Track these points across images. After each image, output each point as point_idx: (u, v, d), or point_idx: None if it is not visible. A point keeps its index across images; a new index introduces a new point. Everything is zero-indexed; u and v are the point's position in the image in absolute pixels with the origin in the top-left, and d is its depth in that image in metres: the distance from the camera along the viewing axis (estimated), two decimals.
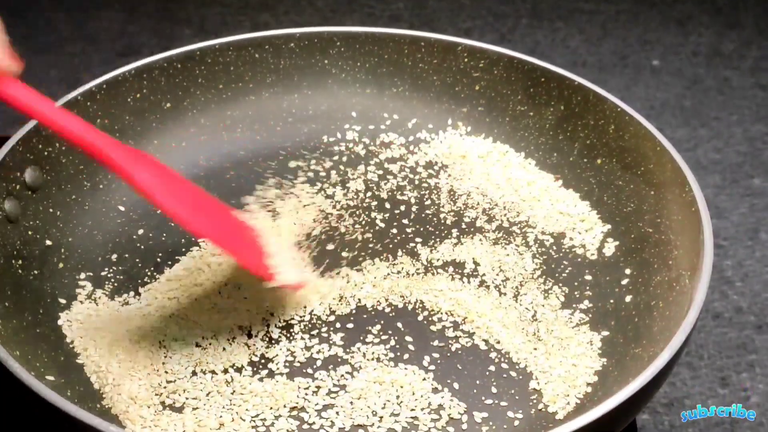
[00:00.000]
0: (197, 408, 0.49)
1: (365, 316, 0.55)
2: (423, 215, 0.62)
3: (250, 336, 0.53)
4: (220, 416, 0.49)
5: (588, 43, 0.98)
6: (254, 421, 0.49)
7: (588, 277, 0.57)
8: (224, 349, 0.52)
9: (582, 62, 0.95)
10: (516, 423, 0.49)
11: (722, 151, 0.81)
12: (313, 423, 0.49)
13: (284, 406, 0.50)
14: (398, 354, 0.52)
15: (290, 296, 0.55)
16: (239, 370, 0.51)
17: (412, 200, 0.63)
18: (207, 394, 0.50)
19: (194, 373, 0.51)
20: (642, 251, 0.57)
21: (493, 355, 0.53)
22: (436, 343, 0.53)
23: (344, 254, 0.58)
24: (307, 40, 0.68)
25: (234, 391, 0.50)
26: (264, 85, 0.68)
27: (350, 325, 0.54)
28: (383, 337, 0.53)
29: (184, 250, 0.58)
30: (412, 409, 0.50)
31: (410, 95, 0.69)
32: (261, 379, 0.51)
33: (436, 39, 0.68)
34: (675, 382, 0.66)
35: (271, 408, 0.49)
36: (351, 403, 0.50)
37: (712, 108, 0.85)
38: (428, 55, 0.68)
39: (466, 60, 0.68)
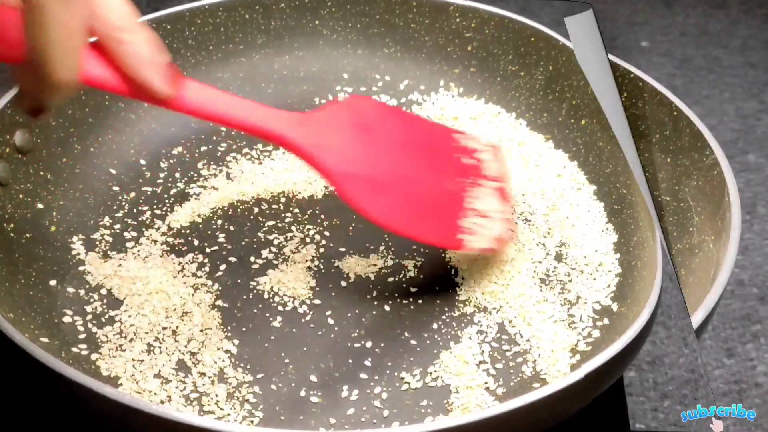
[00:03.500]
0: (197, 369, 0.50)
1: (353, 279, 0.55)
2: None
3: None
4: (227, 376, 0.49)
5: None
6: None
7: (576, 237, 0.57)
8: (221, 312, 0.53)
9: None
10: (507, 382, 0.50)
11: (715, 129, 0.81)
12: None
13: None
14: (388, 318, 0.53)
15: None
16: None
17: None
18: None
19: (190, 340, 0.51)
20: (621, 212, 0.57)
21: (482, 317, 0.53)
22: (427, 307, 0.54)
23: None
24: (298, 0, 0.68)
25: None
26: (255, 47, 0.68)
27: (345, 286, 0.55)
28: (375, 303, 0.54)
29: (174, 212, 0.59)
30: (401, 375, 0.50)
31: (402, 56, 0.68)
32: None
33: None
34: None
35: None
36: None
37: (704, 86, 0.85)
38: (420, 15, 0.68)
39: (458, 20, 0.67)
